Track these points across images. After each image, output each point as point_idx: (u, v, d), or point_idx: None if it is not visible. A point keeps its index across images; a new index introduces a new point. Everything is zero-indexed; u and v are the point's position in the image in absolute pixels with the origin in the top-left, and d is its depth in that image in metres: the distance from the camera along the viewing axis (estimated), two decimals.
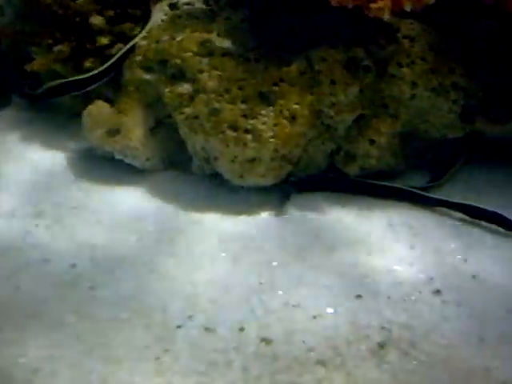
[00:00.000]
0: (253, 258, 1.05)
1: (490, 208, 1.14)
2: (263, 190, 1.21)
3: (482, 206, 1.14)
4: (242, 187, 1.21)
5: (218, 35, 1.30)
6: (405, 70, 1.21)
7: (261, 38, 1.28)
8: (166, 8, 1.41)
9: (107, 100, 1.37)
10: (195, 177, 1.26)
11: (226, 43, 1.28)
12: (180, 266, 1.03)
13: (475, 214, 1.15)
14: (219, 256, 1.06)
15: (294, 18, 1.29)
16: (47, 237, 1.10)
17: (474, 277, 1.04)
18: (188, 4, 1.40)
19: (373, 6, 1.14)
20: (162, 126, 1.31)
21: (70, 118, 1.42)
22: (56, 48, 1.34)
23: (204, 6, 1.38)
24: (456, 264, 1.06)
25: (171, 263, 1.04)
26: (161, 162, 1.30)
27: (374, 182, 1.21)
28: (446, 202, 1.17)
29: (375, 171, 1.25)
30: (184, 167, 1.29)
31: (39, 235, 1.10)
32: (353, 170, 1.24)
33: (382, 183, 1.21)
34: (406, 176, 1.28)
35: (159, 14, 1.41)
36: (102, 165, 1.29)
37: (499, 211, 1.14)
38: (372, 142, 1.21)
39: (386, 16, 1.14)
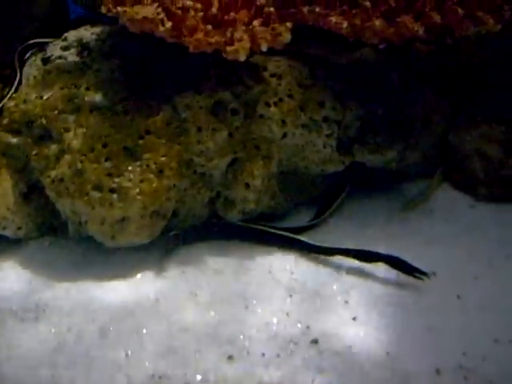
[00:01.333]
0: (121, 327, 0.99)
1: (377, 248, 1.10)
2: (142, 248, 1.15)
3: (373, 250, 1.10)
4: (120, 248, 1.15)
5: (87, 89, 1.25)
6: (273, 109, 1.18)
7: (130, 89, 1.24)
8: (39, 63, 1.37)
9: None
10: (72, 241, 1.20)
11: (95, 97, 1.23)
12: (41, 345, 0.96)
13: (368, 259, 1.10)
14: (87, 329, 0.99)
15: (163, 65, 1.26)
16: None
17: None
18: (61, 58, 1.35)
19: (229, 48, 1.12)
20: (35, 190, 1.25)
21: None
22: None
23: (77, 59, 1.34)
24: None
25: (33, 345, 0.97)
26: (36, 228, 1.23)
27: (253, 226, 1.17)
28: (334, 249, 1.12)
29: (257, 214, 1.21)
30: (62, 232, 1.23)
31: None
32: (233, 215, 1.20)
33: (260, 227, 1.17)
34: (292, 215, 1.24)
35: (31, 71, 1.36)
36: None
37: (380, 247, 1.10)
38: (247, 185, 1.18)
39: (242, 58, 1.11)
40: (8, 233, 1.20)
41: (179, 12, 1.13)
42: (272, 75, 1.21)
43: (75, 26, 1.44)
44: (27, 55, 1.43)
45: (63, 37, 1.39)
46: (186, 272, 1.11)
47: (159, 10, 1.15)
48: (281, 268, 1.11)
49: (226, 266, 1.11)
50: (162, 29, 1.12)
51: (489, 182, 1.28)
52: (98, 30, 1.39)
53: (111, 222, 1.11)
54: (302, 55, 1.26)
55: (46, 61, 1.36)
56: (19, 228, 1.21)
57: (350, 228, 1.20)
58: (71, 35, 1.38)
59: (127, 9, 1.16)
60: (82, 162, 1.14)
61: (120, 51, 1.31)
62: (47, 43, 1.41)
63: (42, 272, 1.14)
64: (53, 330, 1.00)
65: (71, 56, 1.34)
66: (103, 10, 1.21)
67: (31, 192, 1.25)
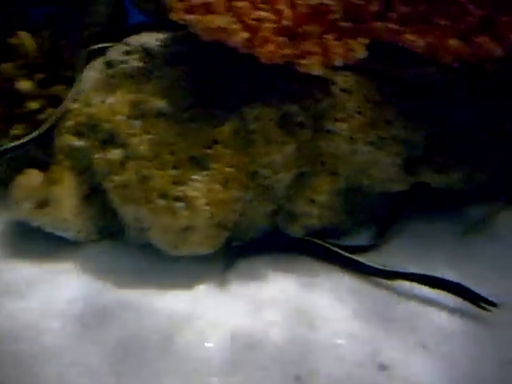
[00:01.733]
0: (184, 338, 0.98)
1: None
2: (204, 258, 1.14)
3: (441, 277, 1.07)
4: (181, 257, 1.14)
5: (153, 95, 1.24)
6: (341, 124, 1.16)
7: (196, 97, 1.23)
8: (102, 67, 1.36)
9: (43, 165, 1.31)
10: (132, 247, 1.19)
11: (160, 104, 1.22)
12: (105, 359, 0.95)
13: (432, 285, 1.07)
14: (150, 338, 0.98)
15: (229, 74, 1.25)
16: None
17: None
18: (123, 62, 1.35)
19: (303, 61, 1.11)
20: (96, 193, 1.25)
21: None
22: None
23: (140, 64, 1.33)
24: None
25: (96, 354, 0.96)
26: (96, 231, 1.23)
27: (317, 241, 1.16)
28: (398, 273, 1.10)
29: (319, 230, 1.19)
30: (121, 236, 1.23)
31: None
32: (295, 229, 1.18)
33: (323, 243, 1.15)
34: (353, 233, 1.22)
35: (93, 74, 1.36)
36: (34, 238, 1.22)
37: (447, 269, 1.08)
38: (312, 201, 1.16)
39: (316, 72, 1.10)
40: (69, 235, 1.20)
41: (254, 23, 1.12)
42: (341, 90, 1.19)
43: (134, 32, 1.44)
44: (87, 58, 1.42)
45: (125, 42, 1.39)
46: (247, 286, 1.10)
47: (233, 19, 1.14)
48: (345, 288, 1.08)
49: (288, 282, 1.10)
50: (236, 39, 1.11)
51: None
52: (160, 36, 1.39)
53: (175, 230, 1.10)
54: (368, 70, 1.24)
55: (108, 65, 1.36)
56: (80, 231, 1.21)
57: (412, 250, 1.18)
58: (134, 40, 1.38)
59: (200, 17, 1.15)
60: (148, 168, 1.13)
61: (184, 58, 1.31)
62: (108, 47, 1.41)
63: (103, 277, 1.13)
64: (116, 338, 0.99)
65: (134, 61, 1.34)
66: (173, 17, 1.20)
67: (92, 195, 1.25)
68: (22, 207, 1.19)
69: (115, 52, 1.37)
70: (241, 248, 1.15)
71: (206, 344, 0.98)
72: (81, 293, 1.08)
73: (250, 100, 1.19)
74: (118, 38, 1.43)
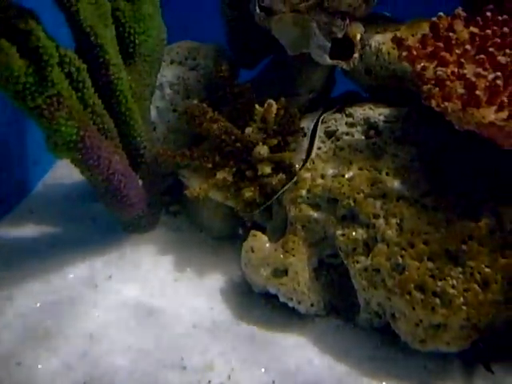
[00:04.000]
0: None
1: None
2: (441, 357, 1.11)
3: None
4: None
5: (387, 174, 1.24)
6: None
7: (432, 181, 1.21)
8: (322, 135, 1.37)
9: (258, 227, 1.32)
10: (360, 330, 1.17)
11: (397, 184, 1.21)
12: None
13: None
14: None
15: (470, 164, 1.22)
16: None
17: None
18: (348, 134, 1.35)
19: None
20: (324, 267, 1.24)
21: (219, 241, 1.37)
22: (219, 175, 1.31)
23: (364, 138, 1.33)
24: None
25: None
26: (324, 307, 1.22)
27: None
28: None
29: None
30: (346, 315, 1.21)
31: None
32: None
33: None
34: None
35: (316, 143, 1.37)
36: (259, 304, 1.22)
37: None
38: None
39: None
40: (302, 308, 1.19)
41: None
42: None
43: (342, 101, 1.45)
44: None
45: (347, 112, 1.40)
46: None
47: (503, 115, 1.12)
48: None
49: None
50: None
51: None
52: (383, 110, 1.39)
53: (427, 326, 1.08)
54: None
55: (331, 134, 1.37)
56: (312, 304, 1.20)
57: None
58: (356, 112, 1.38)
59: (470, 110, 1.14)
60: (402, 256, 1.11)
61: (413, 138, 1.30)
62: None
63: (340, 359, 1.11)
64: None
65: (359, 134, 1.34)
66: (432, 103, 1.19)
67: (320, 268, 1.25)
68: (260, 273, 1.20)
69: (337, 122, 1.38)
70: (486, 350, 1.11)
71: None
72: (325, 373, 1.06)
73: (500, 197, 1.16)
74: (330, 106, 1.44)
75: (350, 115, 1.40)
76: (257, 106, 1.34)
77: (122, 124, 1.28)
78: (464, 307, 1.06)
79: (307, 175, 1.29)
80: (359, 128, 1.35)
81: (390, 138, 1.31)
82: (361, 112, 1.39)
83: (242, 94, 1.40)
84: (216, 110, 1.35)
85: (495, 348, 1.13)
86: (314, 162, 1.32)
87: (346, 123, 1.37)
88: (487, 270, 1.09)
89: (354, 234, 1.18)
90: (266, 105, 1.32)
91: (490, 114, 1.13)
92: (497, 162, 1.18)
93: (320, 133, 1.39)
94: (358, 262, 1.16)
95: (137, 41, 1.32)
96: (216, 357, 1.09)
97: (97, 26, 1.18)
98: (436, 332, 1.08)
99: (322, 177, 1.27)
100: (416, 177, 1.23)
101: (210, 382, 1.04)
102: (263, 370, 1.07)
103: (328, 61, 1.36)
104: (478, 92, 1.17)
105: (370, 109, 1.41)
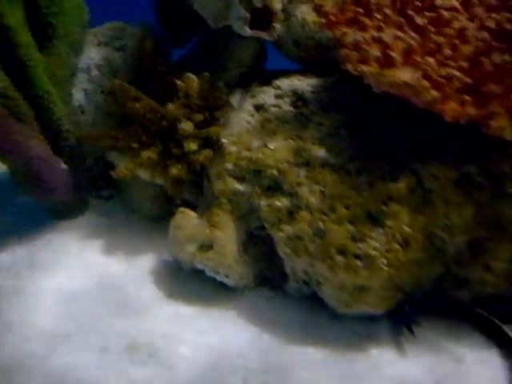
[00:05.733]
0: None
1: None
2: (369, 319, 1.10)
3: None
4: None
5: (313, 143, 1.23)
6: None
7: (358, 147, 1.21)
8: (251, 108, 1.36)
9: (188, 205, 1.31)
10: (290, 299, 1.17)
11: (322, 152, 1.21)
12: None
13: None
14: None
15: (393, 128, 1.22)
16: None
17: None
18: (276, 106, 1.34)
19: (490, 123, 1.07)
20: (252, 239, 1.23)
21: (152, 222, 1.35)
22: (144, 154, 1.28)
23: (292, 109, 1.32)
24: None
25: None
26: (253, 278, 1.21)
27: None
28: None
29: (486, 297, 1.15)
30: (276, 285, 1.20)
31: None
32: (463, 295, 1.14)
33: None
34: None
35: (244, 116, 1.35)
36: (189, 281, 1.21)
37: None
38: (487, 267, 1.11)
39: (508, 136, 1.06)
40: (230, 281, 1.18)
41: (442, 80, 1.10)
42: None
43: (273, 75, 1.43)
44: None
45: (274, 84, 1.39)
46: (421, 354, 1.05)
47: (418, 75, 1.12)
48: None
49: (466, 353, 1.05)
50: (424, 98, 1.08)
51: None
52: (310, 80, 1.38)
53: (350, 289, 1.07)
54: None
55: (260, 108, 1.35)
56: (242, 277, 1.19)
57: None
58: (283, 84, 1.38)
59: (380, 70, 1.14)
60: (323, 221, 1.11)
61: (339, 106, 1.29)
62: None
63: (268, 329, 1.10)
64: None
65: (286, 105, 1.33)
66: (348, 67, 1.18)
67: (249, 241, 1.23)
68: (185, 250, 1.18)
69: (265, 95, 1.37)
70: (414, 311, 1.11)
71: None
72: (249, 345, 1.05)
73: (423, 156, 1.15)
74: (262, 80, 1.43)
75: (277, 87, 1.38)
76: (179, 82, 1.32)
77: (39, 107, 1.25)
78: (385, 267, 1.06)
79: (233, 148, 1.28)
80: (287, 99, 1.34)
81: (317, 108, 1.30)
82: (288, 83, 1.38)
83: (166, 72, 1.37)
84: (142, 90, 1.33)
85: (424, 309, 1.14)
86: (240, 136, 1.30)
87: (275, 95, 1.36)
88: (407, 229, 1.09)
89: (277, 203, 1.17)
90: (185, 79, 1.30)
91: (404, 75, 1.12)
92: (416, 123, 1.18)
93: (249, 106, 1.37)
94: (281, 231, 1.14)
95: (54, 21, 1.29)
96: (139, 336, 1.07)
97: (3, 5, 1.15)
98: (360, 294, 1.07)
99: (248, 149, 1.26)
100: (341, 144, 1.22)
101: (132, 359, 1.03)
102: (185, 346, 1.05)
103: (248, 32, 1.34)
104: (392, 53, 1.17)
105: (298, 80, 1.40)
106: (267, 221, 1.17)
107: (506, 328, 1.07)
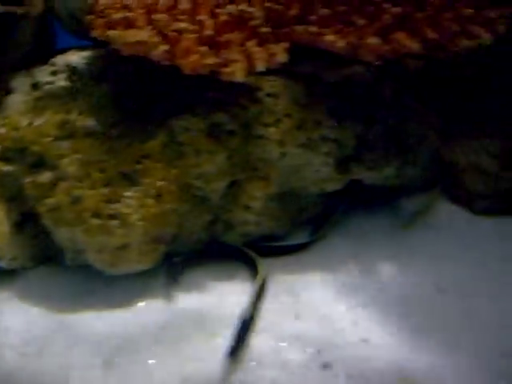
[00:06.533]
0: (126, 359, 0.96)
1: None
2: (145, 274, 1.13)
3: None
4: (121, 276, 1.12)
5: (80, 114, 1.23)
6: (271, 129, 1.17)
7: (124, 112, 1.22)
8: (28, 89, 1.34)
9: None
10: (70, 270, 1.17)
11: (88, 122, 1.21)
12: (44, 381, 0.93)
13: None
14: (91, 362, 0.96)
15: (157, 88, 1.24)
16: None
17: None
18: (50, 83, 1.33)
19: (225, 70, 1.11)
20: (29, 219, 1.22)
21: None
22: None
23: (67, 84, 1.32)
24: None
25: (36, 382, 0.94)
26: (31, 258, 1.20)
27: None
28: None
29: (257, 236, 1.20)
30: (58, 261, 1.20)
31: None
32: (233, 238, 1.18)
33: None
34: (293, 235, 1.23)
35: (20, 97, 1.33)
36: None
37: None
38: (247, 207, 1.16)
39: (240, 79, 1.10)
40: (2, 263, 1.17)
41: (174, 34, 1.12)
42: (268, 95, 1.20)
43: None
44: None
45: (51, 62, 1.37)
46: (190, 297, 1.09)
47: (153, 33, 1.14)
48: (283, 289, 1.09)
49: (230, 291, 1.09)
50: (156, 52, 1.11)
51: (485, 195, 1.29)
52: (86, 53, 1.38)
53: (111, 249, 1.09)
54: (294, 74, 1.26)
55: (35, 87, 1.34)
56: (14, 258, 1.18)
57: (352, 246, 1.19)
58: (59, 60, 1.36)
59: (120, 32, 1.15)
60: (79, 188, 1.11)
61: (111, 75, 1.30)
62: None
63: (40, 304, 1.10)
64: (56, 365, 0.96)
65: (61, 81, 1.32)
66: (94, 34, 1.19)
67: (25, 221, 1.22)
68: None
69: (41, 73, 1.35)
70: (182, 262, 1.14)
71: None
72: (17, 322, 1.05)
73: (178, 112, 1.18)
74: (43, 60, 1.41)
75: (53, 64, 1.37)
76: None
77: None
78: (140, 222, 1.08)
79: (2, 130, 1.25)
80: (61, 75, 1.33)
81: (89, 79, 1.30)
82: (64, 59, 1.37)
83: None
84: None
85: (200, 256, 1.17)
86: (11, 117, 1.28)
87: (50, 72, 1.34)
88: (161, 183, 1.11)
89: (41, 178, 1.17)
90: None
91: (141, 34, 1.14)
92: (170, 81, 1.20)
93: (26, 87, 1.35)
94: (45, 205, 1.14)
95: None
96: None
97: None
98: (121, 253, 1.09)
99: (16, 129, 1.24)
100: (108, 111, 1.23)
101: None
102: None
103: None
104: (132, 15, 1.18)
105: (73, 54, 1.39)
106: (32, 197, 1.16)
107: (255, 255, 1.12)
